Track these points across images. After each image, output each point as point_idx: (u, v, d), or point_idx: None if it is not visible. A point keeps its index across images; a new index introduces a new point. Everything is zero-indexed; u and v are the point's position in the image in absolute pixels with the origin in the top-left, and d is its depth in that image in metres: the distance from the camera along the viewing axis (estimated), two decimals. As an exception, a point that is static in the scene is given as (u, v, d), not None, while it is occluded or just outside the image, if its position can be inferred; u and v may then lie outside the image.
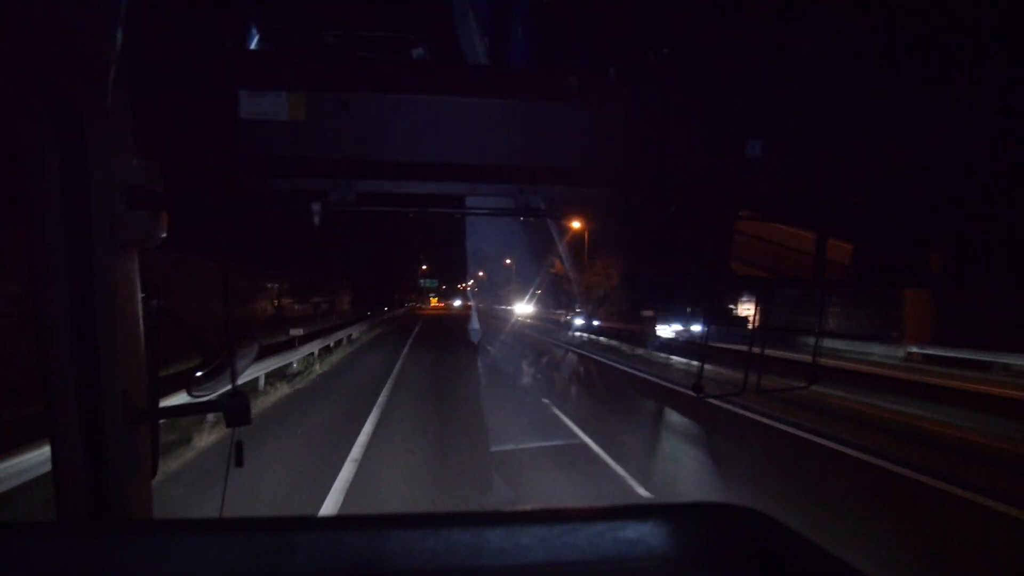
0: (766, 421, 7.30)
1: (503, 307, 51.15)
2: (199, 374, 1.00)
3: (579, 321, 21.67)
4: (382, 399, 8.58)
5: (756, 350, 1.76)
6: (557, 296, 35.25)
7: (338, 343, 15.58)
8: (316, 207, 0.96)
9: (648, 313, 18.53)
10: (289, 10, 1.10)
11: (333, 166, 0.99)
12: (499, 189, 1.08)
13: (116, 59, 0.78)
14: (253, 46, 1.08)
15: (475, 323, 16.60)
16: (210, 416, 5.46)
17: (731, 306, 19.89)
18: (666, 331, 15.78)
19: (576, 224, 29.53)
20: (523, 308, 39.34)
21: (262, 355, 8.94)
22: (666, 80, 1.26)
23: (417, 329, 24.96)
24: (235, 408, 0.96)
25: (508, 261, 57.05)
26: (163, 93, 1.08)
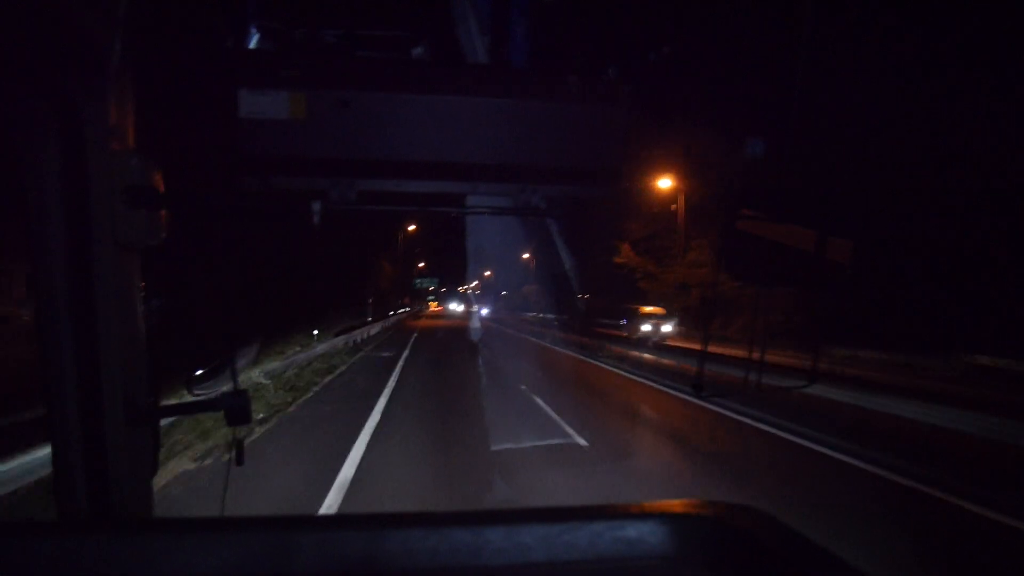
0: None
1: (534, 315, 34.63)
2: (199, 373, 1.00)
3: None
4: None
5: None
6: (620, 298, 20.97)
7: None
8: (316, 206, 0.96)
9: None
10: (289, 10, 1.10)
11: (333, 165, 0.99)
12: (499, 188, 1.08)
13: (116, 58, 0.78)
14: (253, 46, 1.08)
15: (476, 323, 16.43)
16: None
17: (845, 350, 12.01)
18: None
19: (666, 182, 15.81)
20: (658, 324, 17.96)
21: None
22: (666, 79, 1.26)
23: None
24: (236, 407, 0.96)
25: (526, 256, 46.97)
26: (163, 93, 1.08)
